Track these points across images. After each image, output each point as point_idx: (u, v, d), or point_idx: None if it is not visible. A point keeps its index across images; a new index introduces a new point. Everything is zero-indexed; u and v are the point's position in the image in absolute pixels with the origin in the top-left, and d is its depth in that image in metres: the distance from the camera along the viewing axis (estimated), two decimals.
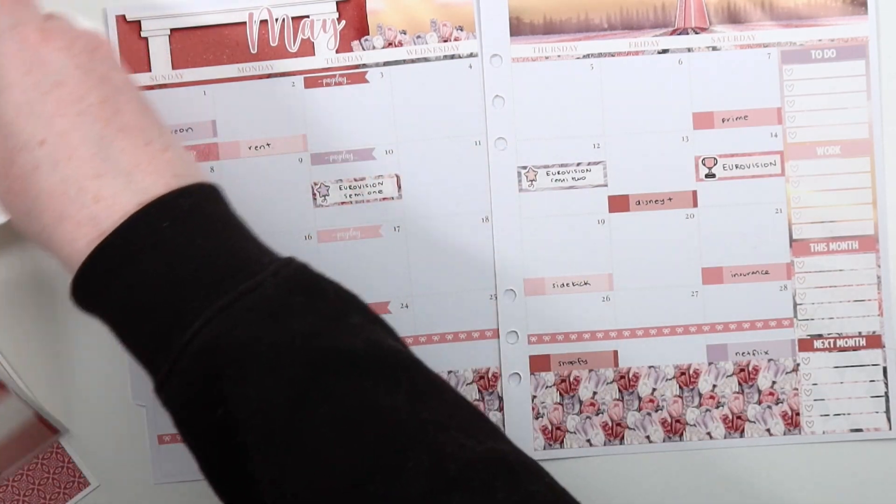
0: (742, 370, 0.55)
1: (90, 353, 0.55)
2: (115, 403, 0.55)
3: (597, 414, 0.55)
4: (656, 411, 0.55)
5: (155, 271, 0.38)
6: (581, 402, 0.55)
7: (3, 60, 0.40)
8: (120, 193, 0.38)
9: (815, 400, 0.55)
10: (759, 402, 0.55)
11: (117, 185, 0.38)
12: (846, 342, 0.55)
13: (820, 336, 0.55)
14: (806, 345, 0.55)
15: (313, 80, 0.55)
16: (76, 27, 0.42)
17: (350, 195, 0.55)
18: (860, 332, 0.55)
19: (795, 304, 0.55)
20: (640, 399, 0.55)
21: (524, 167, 0.55)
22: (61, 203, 0.38)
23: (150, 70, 0.54)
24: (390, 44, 0.55)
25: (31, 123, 0.39)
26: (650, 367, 0.55)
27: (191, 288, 0.37)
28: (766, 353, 0.55)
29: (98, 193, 0.38)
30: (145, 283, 0.38)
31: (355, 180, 0.55)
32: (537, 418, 0.55)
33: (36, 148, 0.39)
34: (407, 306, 0.55)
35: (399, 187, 0.55)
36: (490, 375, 0.55)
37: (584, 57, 0.55)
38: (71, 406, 0.55)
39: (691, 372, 0.55)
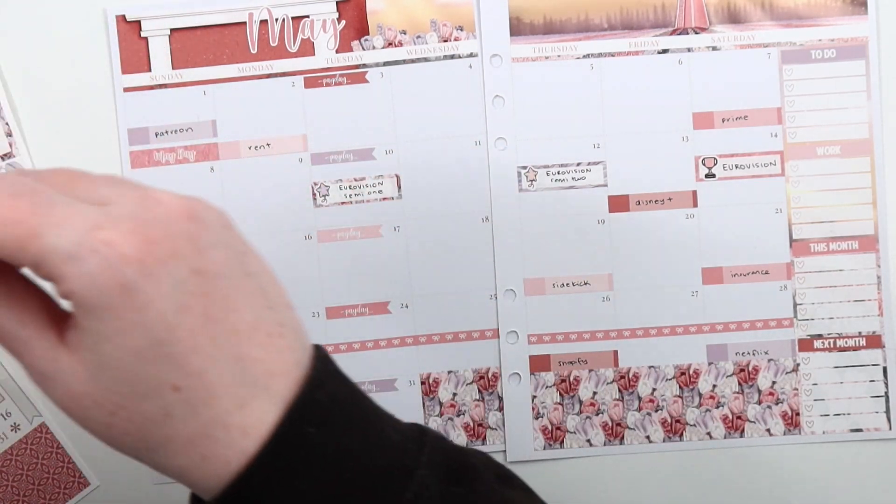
0: (742, 370, 0.55)
1: None
2: None
3: (597, 414, 0.55)
4: (656, 411, 0.55)
5: (310, 490, 0.33)
6: (581, 402, 0.55)
7: (100, 298, 0.30)
8: (264, 414, 0.33)
9: (815, 400, 0.55)
10: (759, 402, 0.55)
11: (261, 405, 0.33)
12: (846, 342, 0.55)
13: (820, 336, 0.55)
14: (806, 345, 0.55)
15: (313, 80, 0.55)
16: (155, 200, 0.32)
17: (350, 195, 0.55)
18: (860, 332, 0.55)
19: (795, 304, 0.55)
20: (640, 399, 0.55)
21: (524, 167, 0.55)
22: (203, 447, 0.32)
23: (150, 70, 0.54)
24: (390, 44, 0.55)
25: (158, 369, 0.31)
26: (650, 367, 0.55)
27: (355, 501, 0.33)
28: (766, 353, 0.55)
29: (244, 426, 0.32)
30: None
31: (355, 180, 0.55)
32: (537, 418, 0.55)
33: (168, 394, 0.31)
34: (407, 306, 0.55)
35: (399, 187, 0.55)
36: (490, 375, 0.55)
37: (584, 57, 0.55)
38: None
39: (691, 372, 0.55)
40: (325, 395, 0.34)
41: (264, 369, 0.33)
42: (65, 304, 0.31)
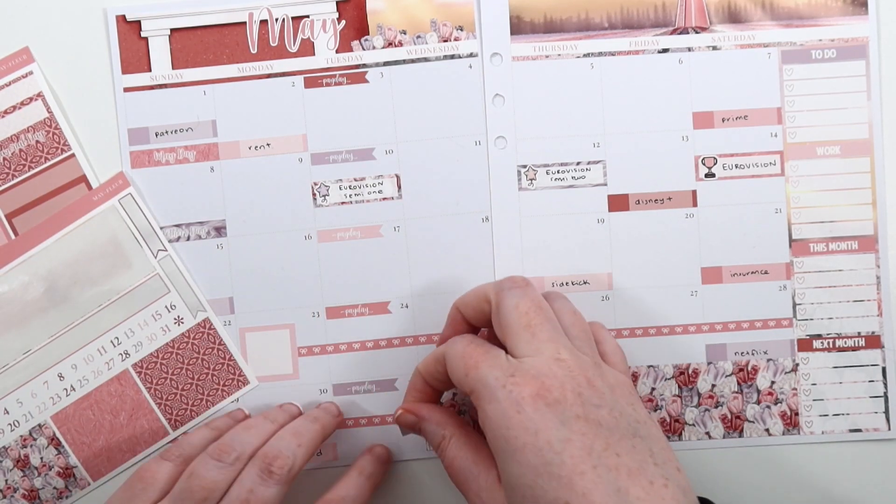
0: (741, 370, 0.55)
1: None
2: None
3: None
4: (655, 411, 0.55)
5: None
6: None
7: (508, 423, 0.41)
8: None
9: (814, 400, 0.55)
10: (758, 402, 0.55)
11: None
12: (845, 342, 0.55)
13: (819, 336, 0.55)
14: (805, 345, 0.55)
15: (313, 80, 0.55)
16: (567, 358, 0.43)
17: (350, 195, 0.55)
18: (859, 333, 0.55)
19: (795, 304, 0.55)
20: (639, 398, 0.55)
21: (524, 166, 0.55)
22: None
23: (150, 70, 0.55)
24: (390, 44, 0.55)
25: (551, 485, 0.39)
26: (649, 366, 0.55)
27: None
28: (766, 352, 0.55)
29: None
30: None
31: (355, 180, 0.55)
32: None
33: None
34: (407, 306, 0.55)
35: (399, 187, 0.55)
36: None
37: (585, 56, 0.55)
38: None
39: (690, 371, 0.55)
40: None
41: None
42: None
